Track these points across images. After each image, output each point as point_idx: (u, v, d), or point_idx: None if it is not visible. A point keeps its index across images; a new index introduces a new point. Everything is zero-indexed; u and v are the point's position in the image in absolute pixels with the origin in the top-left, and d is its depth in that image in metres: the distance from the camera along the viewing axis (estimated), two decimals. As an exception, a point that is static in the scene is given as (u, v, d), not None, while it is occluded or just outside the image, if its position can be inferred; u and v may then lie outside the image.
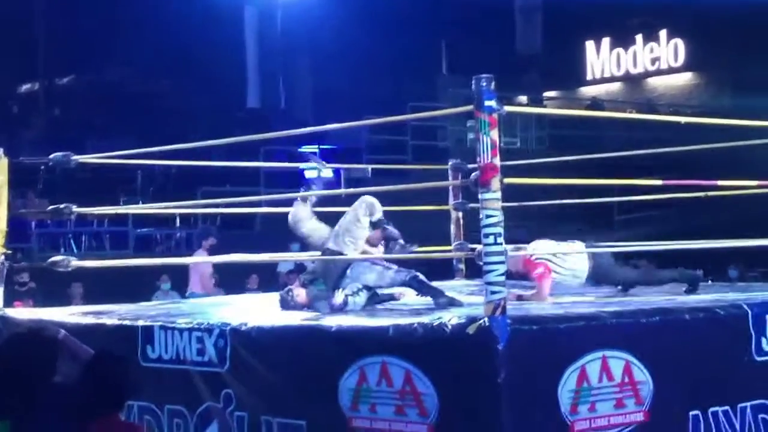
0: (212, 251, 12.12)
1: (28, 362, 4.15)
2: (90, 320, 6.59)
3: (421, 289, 6.49)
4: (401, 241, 6.76)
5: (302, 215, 6.94)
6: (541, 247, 7.01)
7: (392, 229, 6.77)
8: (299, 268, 13.35)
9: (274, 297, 7.05)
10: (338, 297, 6.36)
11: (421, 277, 6.51)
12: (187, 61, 22.48)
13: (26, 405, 4.08)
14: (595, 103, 25.04)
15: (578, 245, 7.04)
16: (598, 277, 7.00)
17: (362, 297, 6.46)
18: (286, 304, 6.68)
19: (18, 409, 4.06)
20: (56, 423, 4.10)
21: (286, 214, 7.21)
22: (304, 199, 6.99)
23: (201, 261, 12.01)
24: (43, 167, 15.94)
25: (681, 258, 7.50)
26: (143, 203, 15.52)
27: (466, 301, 6.50)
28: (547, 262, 6.92)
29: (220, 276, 13.37)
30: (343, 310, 6.29)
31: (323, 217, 7.15)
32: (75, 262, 6.58)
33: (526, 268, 6.92)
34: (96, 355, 4.50)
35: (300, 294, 6.65)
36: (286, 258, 13.01)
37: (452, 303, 6.32)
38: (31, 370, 4.13)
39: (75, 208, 7.14)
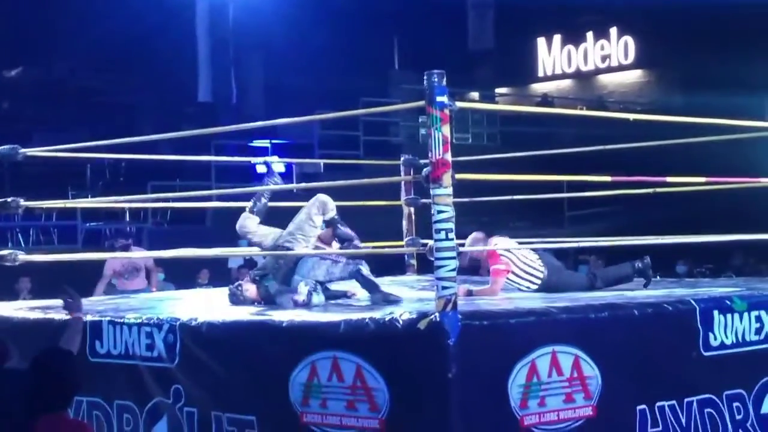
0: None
1: None
2: (37, 315, 6.53)
3: (363, 283, 6.55)
4: (356, 242, 6.78)
5: (250, 227, 6.95)
6: (503, 245, 7.04)
7: (345, 229, 6.79)
8: (250, 263, 13.31)
9: (224, 292, 7.03)
10: (301, 292, 6.37)
11: (365, 271, 6.55)
12: (137, 55, 22.29)
13: None
14: (545, 100, 25.19)
15: (533, 255, 7.06)
16: (551, 285, 7.01)
17: (320, 293, 6.48)
18: (236, 300, 6.67)
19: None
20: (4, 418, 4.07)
21: (237, 209, 7.19)
22: (252, 211, 6.99)
23: (149, 256, 11.92)
24: (-10, 160, 15.75)
25: (630, 254, 7.56)
26: (92, 197, 15.36)
27: (417, 297, 6.52)
28: (510, 261, 6.95)
29: (171, 271, 13.29)
30: (308, 306, 6.30)
31: (275, 213, 7.14)
32: (22, 257, 6.51)
33: (488, 261, 6.94)
34: (41, 351, 4.45)
35: (250, 289, 6.66)
36: (236, 253, 12.96)
37: (387, 299, 6.37)
38: None
39: (22, 202, 7.05)
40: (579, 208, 16.97)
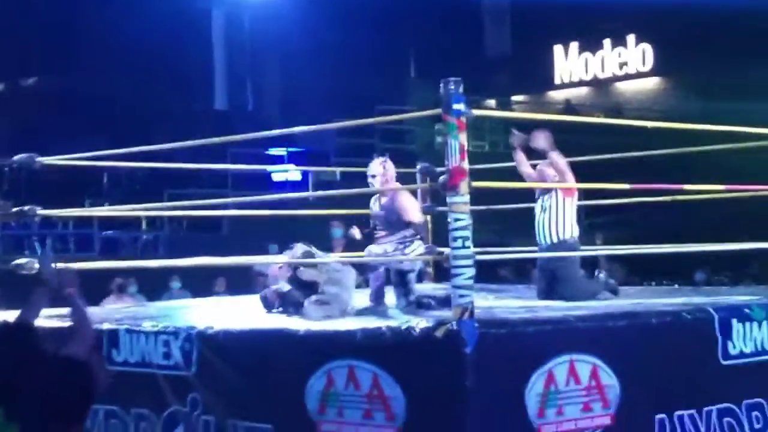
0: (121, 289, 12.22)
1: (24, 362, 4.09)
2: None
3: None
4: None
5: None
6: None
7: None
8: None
9: (242, 300, 7.03)
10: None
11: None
12: (153, 63, 22.37)
13: (34, 408, 3.99)
14: (569, 107, 25.12)
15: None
16: (556, 263, 7.07)
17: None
18: (268, 303, 6.70)
19: (27, 412, 3.98)
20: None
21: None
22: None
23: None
24: (7, 169, 15.81)
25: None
26: (109, 205, 15.41)
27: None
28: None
29: (187, 279, 13.32)
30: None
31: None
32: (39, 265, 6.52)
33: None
34: (59, 359, 4.28)
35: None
36: (254, 262, 12.96)
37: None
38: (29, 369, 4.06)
39: (39, 210, 7.09)
40: (597, 216, 16.94)
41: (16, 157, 7.14)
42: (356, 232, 6.93)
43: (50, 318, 6.70)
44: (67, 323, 4.83)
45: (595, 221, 16.95)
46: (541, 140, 7.32)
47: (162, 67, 22.50)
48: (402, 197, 6.75)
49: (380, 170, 6.82)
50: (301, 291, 6.51)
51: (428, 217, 8.60)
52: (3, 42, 23.53)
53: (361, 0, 23.10)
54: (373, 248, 6.65)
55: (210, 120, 22.75)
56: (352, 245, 7.13)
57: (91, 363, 4.19)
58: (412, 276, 6.84)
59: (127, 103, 22.78)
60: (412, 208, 6.77)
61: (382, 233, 6.80)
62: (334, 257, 6.88)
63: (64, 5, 22.48)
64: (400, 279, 6.77)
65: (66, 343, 4.45)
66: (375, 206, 6.97)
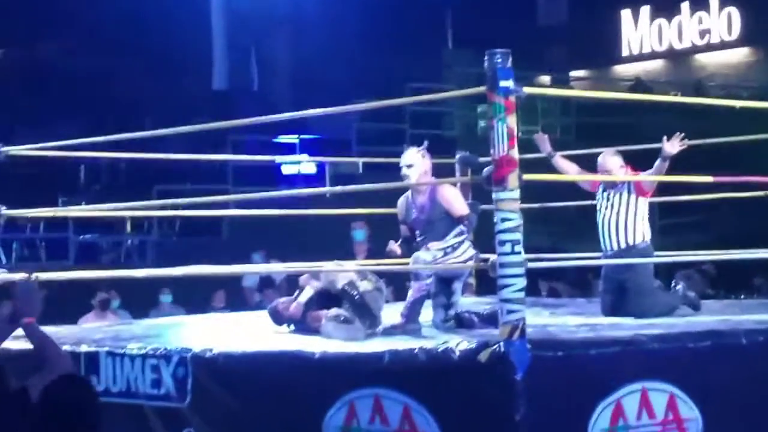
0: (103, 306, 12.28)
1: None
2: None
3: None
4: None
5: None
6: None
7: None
8: (267, 282, 13.38)
9: (245, 317, 7.06)
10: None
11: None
12: (139, 34, 22.46)
13: None
14: (640, 85, 25.03)
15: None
16: (625, 271, 7.06)
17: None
18: (278, 317, 6.73)
19: None
20: None
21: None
22: None
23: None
24: (-35, 161, 15.92)
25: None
26: (86, 204, 15.48)
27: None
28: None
29: (180, 292, 13.36)
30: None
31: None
32: (3, 275, 6.58)
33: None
34: (54, 387, 4.21)
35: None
36: (258, 270, 13.04)
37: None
38: None
39: (4, 210, 7.13)
40: (674, 215, 16.87)
41: (-25, 147, 7.19)
42: (396, 248, 6.86)
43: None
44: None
45: (672, 222, 16.89)
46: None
47: (149, 38, 22.57)
48: (444, 189, 6.72)
49: (419, 160, 6.78)
50: (324, 304, 6.54)
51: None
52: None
53: (387, -43, 23.15)
54: (421, 255, 6.58)
55: (207, 102, 22.82)
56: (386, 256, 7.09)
57: (73, 395, 4.18)
58: (459, 285, 6.81)
59: (110, 81, 22.86)
60: (459, 200, 6.74)
61: (421, 237, 6.77)
62: (364, 265, 6.87)
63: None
64: (443, 287, 6.74)
65: (35, 375, 4.44)
66: (405, 207, 6.92)
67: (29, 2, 22.83)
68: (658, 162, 7.09)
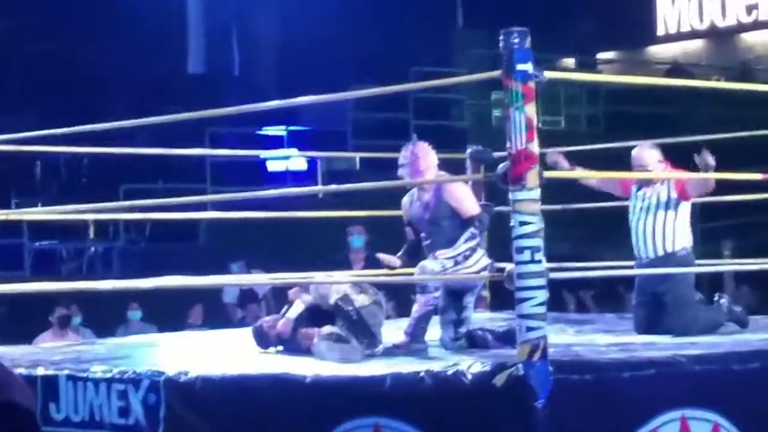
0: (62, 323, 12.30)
1: None
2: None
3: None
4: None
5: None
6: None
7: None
8: (248, 296, 13.39)
9: (225, 336, 7.07)
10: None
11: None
12: (105, 13, 22.48)
13: None
14: (677, 68, 25.05)
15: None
16: (664, 281, 7.07)
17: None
18: (263, 339, 6.75)
19: None
20: None
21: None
22: None
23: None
24: None
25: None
26: (43, 206, 15.50)
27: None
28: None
29: (151, 307, 13.37)
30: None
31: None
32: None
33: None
34: None
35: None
36: (241, 282, 13.04)
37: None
38: None
39: (-51, 213, 7.13)
40: (716, 218, 16.87)
41: None
42: (392, 259, 6.87)
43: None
44: None
45: (716, 225, 16.90)
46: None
47: (114, 15, 22.60)
48: (451, 186, 6.72)
49: (407, 158, 6.79)
50: (316, 321, 6.54)
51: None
52: None
53: None
54: (428, 264, 6.58)
55: (182, 88, 22.84)
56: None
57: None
58: (471, 299, 6.82)
59: (70, 64, 22.88)
60: (469, 198, 6.74)
61: (425, 240, 6.76)
62: (361, 276, 6.89)
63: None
64: (452, 301, 6.74)
65: None
66: (409, 204, 6.93)
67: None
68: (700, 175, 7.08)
